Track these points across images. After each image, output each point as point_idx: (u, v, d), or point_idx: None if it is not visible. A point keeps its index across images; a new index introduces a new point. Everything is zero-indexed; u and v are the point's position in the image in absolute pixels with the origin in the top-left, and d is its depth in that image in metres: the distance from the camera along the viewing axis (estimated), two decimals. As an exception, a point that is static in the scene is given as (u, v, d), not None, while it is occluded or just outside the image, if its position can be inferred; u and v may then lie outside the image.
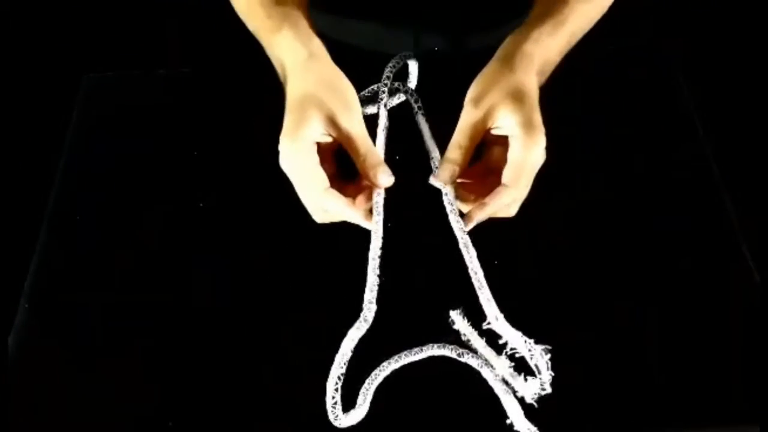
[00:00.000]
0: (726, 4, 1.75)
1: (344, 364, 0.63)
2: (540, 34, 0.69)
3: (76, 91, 0.89)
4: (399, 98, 0.78)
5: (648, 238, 0.73)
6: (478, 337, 0.66)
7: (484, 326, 0.63)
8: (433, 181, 0.66)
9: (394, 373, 0.65)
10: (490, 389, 0.64)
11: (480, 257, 0.64)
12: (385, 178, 0.65)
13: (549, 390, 0.62)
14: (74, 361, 0.69)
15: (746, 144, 1.52)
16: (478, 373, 0.65)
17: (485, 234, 0.66)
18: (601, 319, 0.68)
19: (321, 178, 0.64)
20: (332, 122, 0.65)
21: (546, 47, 0.69)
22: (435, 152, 0.71)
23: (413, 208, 0.74)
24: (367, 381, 0.64)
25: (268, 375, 0.67)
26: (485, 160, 0.67)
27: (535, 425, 0.63)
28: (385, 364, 0.65)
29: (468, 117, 0.65)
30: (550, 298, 0.69)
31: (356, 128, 0.65)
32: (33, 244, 0.76)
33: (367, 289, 0.64)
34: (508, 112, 0.64)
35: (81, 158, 0.83)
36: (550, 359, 0.63)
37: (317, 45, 0.70)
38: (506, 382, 0.64)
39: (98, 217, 0.78)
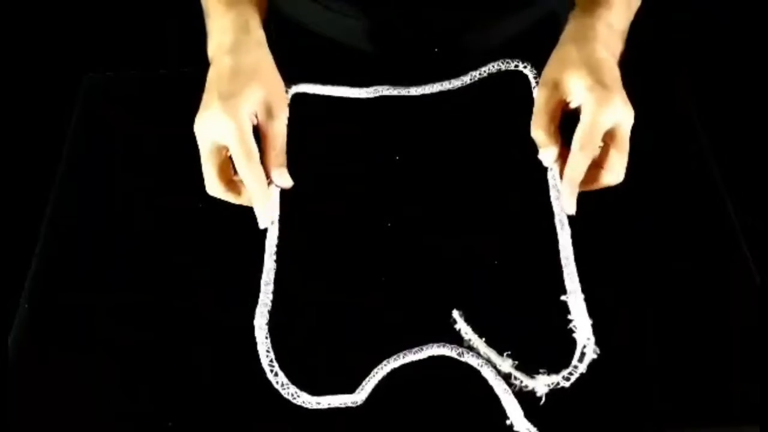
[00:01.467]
0: (726, 4, 1.75)
1: (268, 352, 0.65)
2: (597, 7, 0.71)
3: (76, 91, 0.89)
4: None
5: (648, 238, 0.73)
6: (479, 338, 0.66)
7: (562, 298, 0.66)
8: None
9: (394, 372, 0.65)
10: (490, 390, 0.64)
11: (480, 257, 0.64)
12: (285, 181, 0.69)
13: (566, 384, 0.62)
14: (74, 361, 0.69)
15: (746, 144, 1.52)
16: (478, 374, 0.65)
17: (485, 234, 0.66)
18: (600, 319, 0.68)
19: (255, 148, 0.66)
20: (267, 104, 0.67)
21: (606, 19, 0.71)
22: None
23: (413, 208, 0.74)
24: (366, 379, 0.64)
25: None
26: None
27: (536, 426, 0.63)
28: (384, 363, 0.65)
29: (540, 95, 0.68)
30: (550, 298, 0.69)
31: (283, 121, 0.68)
32: (33, 244, 0.76)
33: (263, 273, 0.69)
34: (576, 78, 0.65)
35: (81, 158, 0.83)
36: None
37: (262, 34, 0.72)
38: (508, 380, 0.64)
39: (98, 217, 0.78)
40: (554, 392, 0.64)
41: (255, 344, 0.67)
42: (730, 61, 1.69)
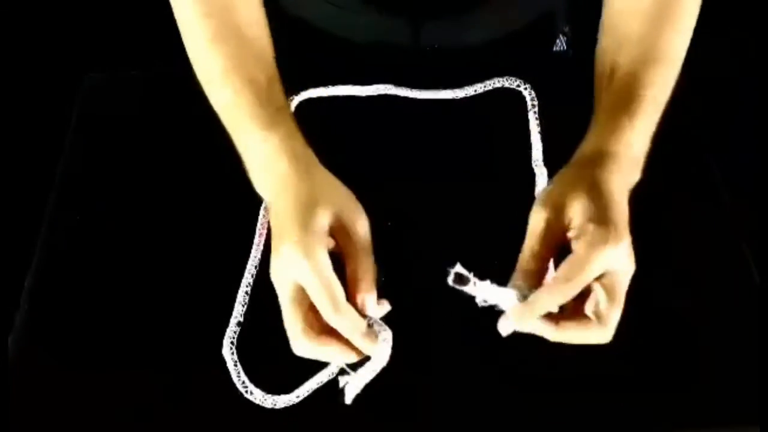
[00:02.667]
0: (726, 4, 1.75)
1: (237, 368, 0.65)
2: (618, 128, 0.60)
3: (77, 90, 0.89)
4: None
5: (648, 238, 0.73)
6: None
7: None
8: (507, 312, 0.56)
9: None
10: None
11: (480, 256, 0.63)
12: (381, 310, 0.57)
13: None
14: (74, 362, 0.69)
15: (746, 144, 1.52)
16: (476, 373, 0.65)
17: (484, 234, 0.66)
18: (601, 319, 0.68)
19: (338, 289, 0.55)
20: (340, 226, 0.57)
21: (627, 142, 0.60)
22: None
23: (413, 208, 0.74)
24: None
25: (268, 375, 0.67)
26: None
27: (536, 426, 0.63)
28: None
29: (537, 217, 0.57)
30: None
31: (362, 236, 0.57)
32: (33, 244, 0.76)
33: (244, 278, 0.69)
34: (579, 205, 0.56)
35: (81, 158, 0.83)
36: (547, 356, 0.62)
37: (310, 152, 0.62)
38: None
39: (98, 217, 0.78)
40: (555, 393, 0.64)
41: (256, 344, 0.68)
42: (730, 61, 1.69)
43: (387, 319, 0.63)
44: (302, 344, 0.57)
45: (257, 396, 0.65)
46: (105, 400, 0.66)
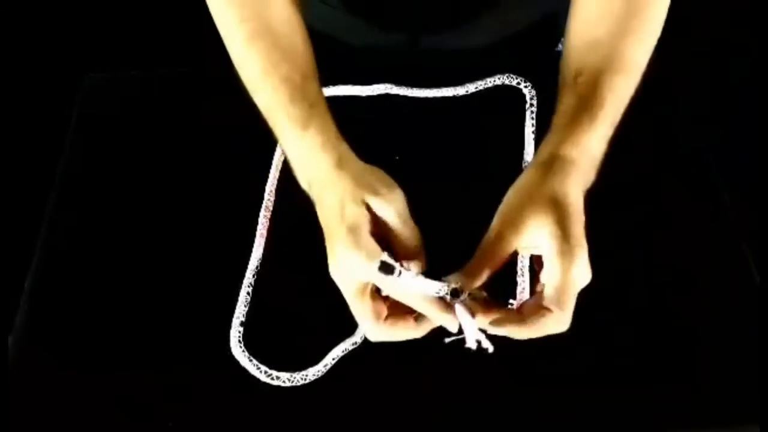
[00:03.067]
0: (726, 4, 1.75)
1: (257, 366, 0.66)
2: (578, 133, 0.61)
3: (77, 90, 0.89)
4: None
5: (648, 238, 0.73)
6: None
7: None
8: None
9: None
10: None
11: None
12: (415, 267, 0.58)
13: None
14: (74, 361, 0.69)
15: (746, 144, 1.53)
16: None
17: (480, 233, 0.65)
18: (600, 319, 0.68)
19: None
20: (377, 204, 0.59)
21: (587, 148, 0.61)
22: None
23: (413, 208, 0.74)
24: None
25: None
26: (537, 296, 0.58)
27: (536, 427, 0.63)
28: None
29: (493, 232, 0.58)
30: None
31: (401, 210, 0.59)
32: (33, 244, 0.76)
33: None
34: (540, 225, 0.56)
35: (81, 158, 0.83)
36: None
37: (345, 147, 0.64)
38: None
39: (98, 217, 0.78)
40: (555, 393, 0.64)
41: (256, 345, 0.68)
42: (730, 61, 1.69)
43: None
44: (376, 331, 0.60)
45: (284, 378, 0.65)
46: (105, 400, 0.66)
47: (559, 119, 0.64)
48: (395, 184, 0.61)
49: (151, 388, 0.67)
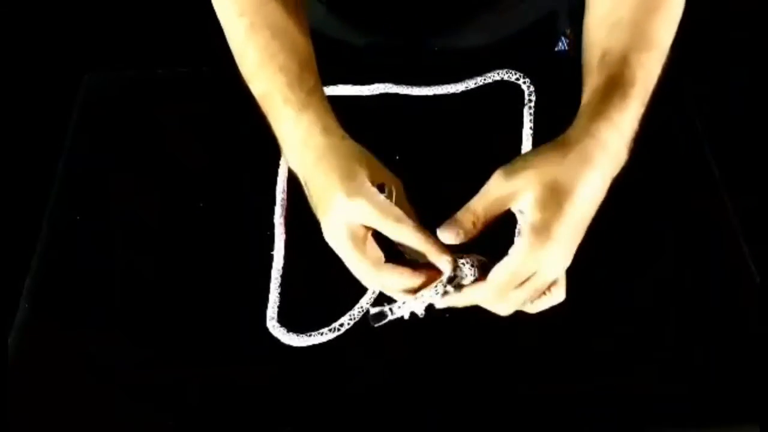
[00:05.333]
0: (726, 4, 1.75)
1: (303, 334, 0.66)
2: (610, 109, 0.60)
3: (77, 90, 0.89)
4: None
5: (648, 238, 0.73)
6: None
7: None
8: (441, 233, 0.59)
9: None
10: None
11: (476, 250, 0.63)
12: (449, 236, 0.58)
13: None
14: (74, 361, 0.69)
15: (746, 144, 1.52)
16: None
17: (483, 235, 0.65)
18: (600, 319, 0.68)
19: (395, 207, 0.58)
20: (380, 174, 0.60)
21: (619, 123, 0.60)
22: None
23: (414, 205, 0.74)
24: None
25: (268, 377, 0.67)
26: None
27: (536, 427, 0.63)
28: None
29: (492, 186, 0.59)
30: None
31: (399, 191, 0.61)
32: (33, 244, 0.76)
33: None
34: (530, 203, 0.56)
35: (81, 158, 0.83)
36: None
37: (343, 132, 0.66)
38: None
39: (98, 217, 0.78)
40: (555, 392, 0.64)
41: (256, 345, 0.68)
42: (730, 61, 1.69)
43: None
44: (373, 276, 0.60)
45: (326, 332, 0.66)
46: (104, 401, 0.66)
47: (588, 100, 0.63)
48: (392, 174, 0.63)
49: (151, 388, 0.67)
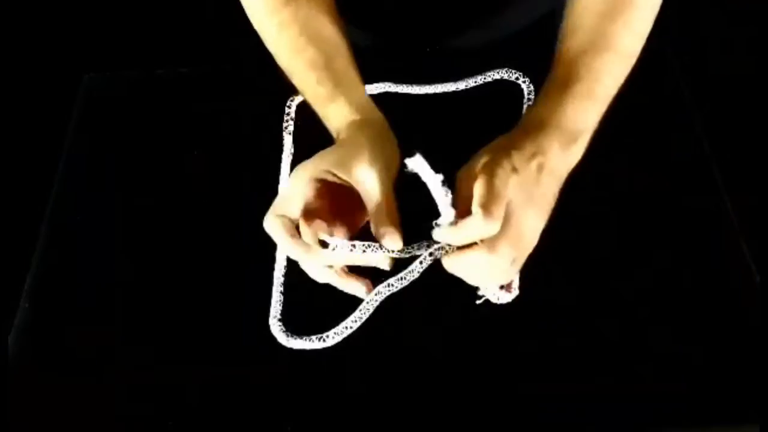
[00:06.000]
0: (726, 5, 1.75)
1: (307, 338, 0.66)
2: (548, 102, 0.65)
3: (76, 91, 0.89)
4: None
5: (648, 238, 0.73)
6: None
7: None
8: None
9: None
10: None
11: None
12: (390, 243, 0.60)
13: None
14: (74, 361, 0.69)
15: (746, 144, 1.52)
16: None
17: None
18: (600, 319, 0.68)
19: (298, 199, 0.61)
20: (346, 167, 0.61)
21: (557, 115, 0.64)
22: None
23: (413, 207, 0.74)
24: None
25: (268, 377, 0.67)
26: None
27: (536, 427, 0.63)
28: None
29: (457, 177, 0.62)
30: (550, 299, 0.69)
31: (374, 184, 0.61)
32: (33, 244, 0.76)
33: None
34: (483, 160, 0.60)
35: (81, 158, 0.83)
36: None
37: (371, 110, 0.68)
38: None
39: (98, 217, 0.78)
40: (555, 393, 0.64)
41: (257, 345, 0.68)
42: (730, 61, 1.69)
43: (388, 311, 0.63)
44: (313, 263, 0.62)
45: (339, 332, 0.65)
46: (104, 401, 0.66)
47: (534, 98, 0.68)
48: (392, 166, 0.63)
49: (151, 387, 0.67)
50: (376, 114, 0.68)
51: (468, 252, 0.59)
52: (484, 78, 0.84)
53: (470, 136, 0.80)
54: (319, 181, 0.62)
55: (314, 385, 0.66)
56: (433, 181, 0.58)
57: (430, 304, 0.68)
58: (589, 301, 0.69)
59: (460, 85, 0.84)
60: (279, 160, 0.79)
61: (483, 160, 0.61)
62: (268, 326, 0.69)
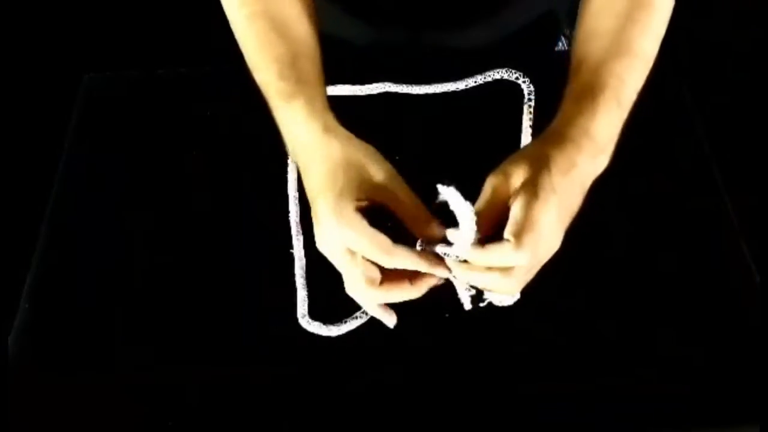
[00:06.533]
0: (726, 5, 1.75)
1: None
2: (578, 116, 0.63)
3: (76, 91, 0.89)
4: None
5: (648, 239, 0.73)
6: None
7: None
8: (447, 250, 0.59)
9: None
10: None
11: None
12: (437, 230, 0.59)
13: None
14: (74, 362, 0.69)
15: (746, 145, 1.52)
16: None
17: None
18: (600, 319, 0.68)
19: (382, 236, 0.58)
20: (369, 182, 0.60)
21: (587, 128, 0.62)
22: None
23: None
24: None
25: (268, 377, 0.67)
26: None
27: (536, 427, 0.63)
28: None
29: (488, 183, 0.61)
30: (550, 299, 0.69)
31: (395, 183, 0.60)
32: (33, 244, 0.76)
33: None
34: (521, 173, 0.59)
35: (81, 158, 0.83)
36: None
37: (331, 117, 0.66)
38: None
39: (98, 217, 0.78)
40: (555, 393, 0.64)
41: (256, 346, 0.68)
42: (730, 61, 1.69)
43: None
44: (371, 296, 0.61)
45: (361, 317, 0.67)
46: (104, 401, 0.66)
47: (563, 105, 0.65)
48: (379, 155, 0.62)
49: (151, 387, 0.67)
50: (331, 121, 0.65)
51: (486, 273, 0.58)
52: (484, 78, 0.84)
53: (470, 136, 0.81)
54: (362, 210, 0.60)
55: (314, 385, 0.66)
56: (465, 210, 0.57)
57: (431, 304, 0.68)
58: (589, 301, 0.69)
59: (460, 85, 0.84)
60: (279, 161, 0.79)
61: (521, 173, 0.59)
62: (268, 326, 0.69)
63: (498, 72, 0.85)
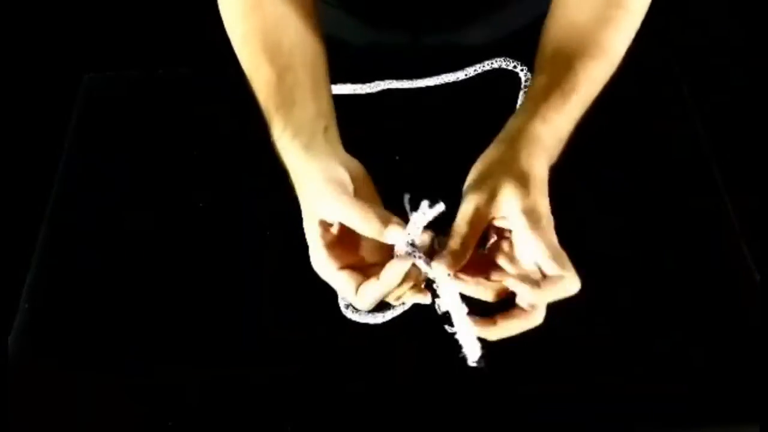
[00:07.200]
0: (726, 5, 1.75)
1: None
2: (547, 110, 0.63)
3: (76, 91, 0.89)
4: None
5: (648, 238, 0.73)
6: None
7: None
8: (429, 271, 0.57)
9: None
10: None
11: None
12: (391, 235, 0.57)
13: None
14: (74, 362, 0.69)
15: (746, 144, 1.52)
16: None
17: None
18: (600, 319, 0.68)
19: (349, 282, 0.57)
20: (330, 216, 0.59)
21: (555, 125, 0.63)
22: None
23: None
24: None
25: (268, 377, 0.67)
26: (490, 251, 0.60)
27: (536, 427, 0.63)
28: None
29: (468, 202, 0.58)
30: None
31: (350, 208, 0.58)
32: (33, 244, 0.76)
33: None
34: (511, 197, 0.57)
35: (81, 158, 0.83)
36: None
37: (317, 138, 0.64)
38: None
39: (98, 217, 0.78)
40: (555, 393, 0.64)
41: (256, 346, 0.68)
42: (730, 61, 1.69)
43: (389, 325, 0.63)
44: (367, 295, 0.58)
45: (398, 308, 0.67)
46: (104, 401, 0.66)
47: (530, 96, 0.66)
48: (347, 175, 0.61)
49: (151, 388, 0.67)
50: (314, 141, 0.64)
51: (559, 283, 0.58)
52: (482, 66, 0.85)
53: (469, 127, 0.81)
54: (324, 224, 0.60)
55: (314, 385, 0.66)
56: (461, 315, 0.58)
57: (431, 304, 0.68)
58: (588, 300, 0.69)
59: (459, 75, 0.85)
60: (279, 161, 0.79)
61: (511, 196, 0.58)
62: (267, 326, 0.69)
63: (496, 61, 0.85)
